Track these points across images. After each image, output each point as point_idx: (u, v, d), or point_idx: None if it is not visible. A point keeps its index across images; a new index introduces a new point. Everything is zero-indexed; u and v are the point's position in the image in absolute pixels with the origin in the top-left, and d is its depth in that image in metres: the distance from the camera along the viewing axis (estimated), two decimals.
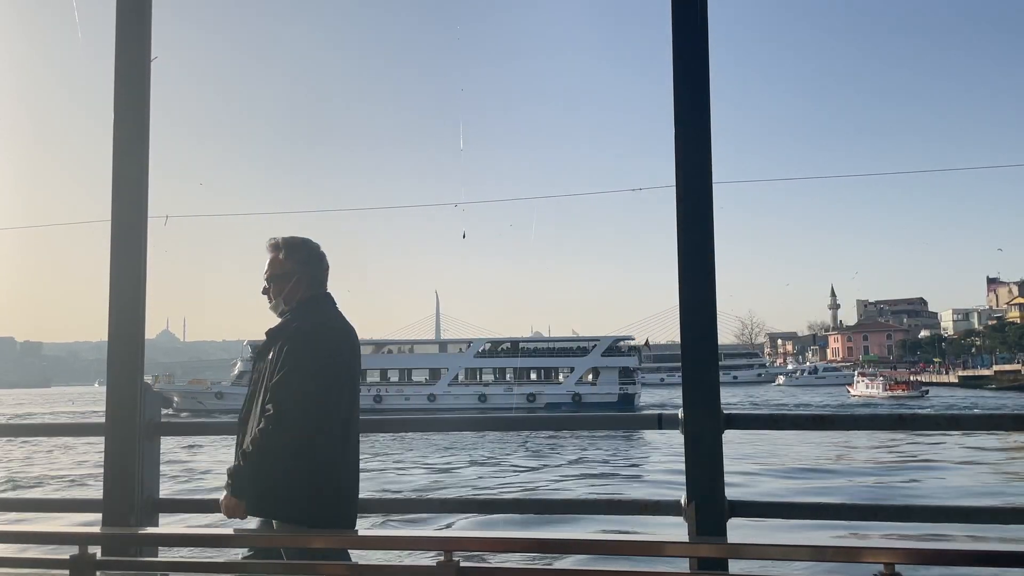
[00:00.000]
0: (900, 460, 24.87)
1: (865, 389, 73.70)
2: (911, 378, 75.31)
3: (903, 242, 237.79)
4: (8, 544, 3.83)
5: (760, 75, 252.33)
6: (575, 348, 65.10)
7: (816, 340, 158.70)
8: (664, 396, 74.62)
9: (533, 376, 64.93)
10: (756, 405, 61.40)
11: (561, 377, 64.05)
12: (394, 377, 64.87)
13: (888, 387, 70.21)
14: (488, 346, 66.31)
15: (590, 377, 62.86)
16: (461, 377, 64.41)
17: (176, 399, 61.53)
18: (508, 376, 64.66)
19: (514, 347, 65.96)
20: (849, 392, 77.43)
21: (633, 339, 69.53)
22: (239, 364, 63.76)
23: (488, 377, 65.46)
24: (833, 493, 18.39)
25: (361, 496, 3.61)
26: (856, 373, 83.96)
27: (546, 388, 62.56)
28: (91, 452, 27.25)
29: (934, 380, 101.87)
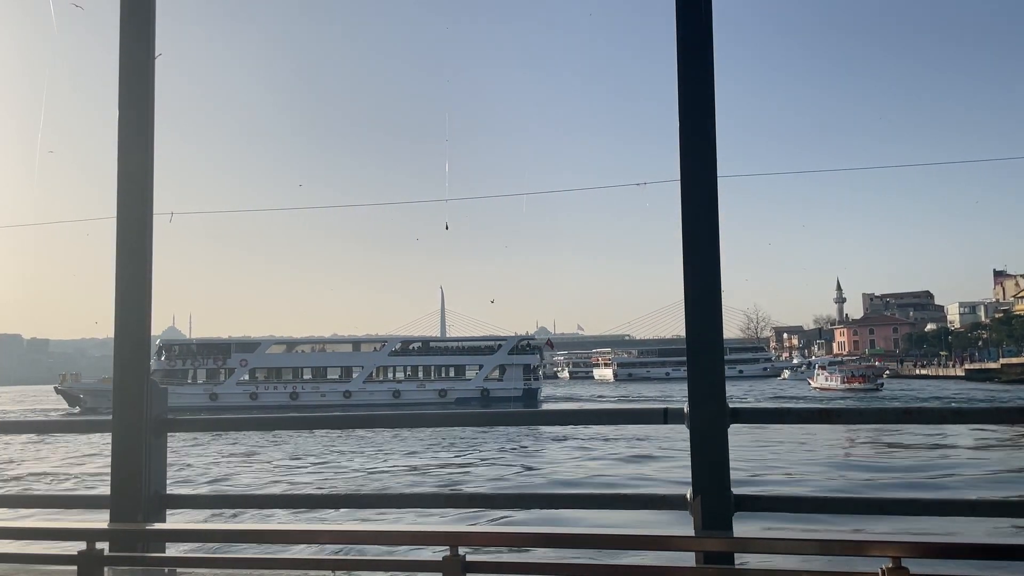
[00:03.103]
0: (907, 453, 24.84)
1: (824, 382, 77.71)
2: (869, 372, 78.61)
3: (909, 235, 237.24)
4: (16, 540, 3.85)
5: (766, 68, 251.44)
6: (483, 347, 70.01)
7: (822, 334, 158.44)
8: (568, 391, 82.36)
9: (443, 373, 68.55)
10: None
11: (469, 374, 68.23)
12: (307, 375, 67.56)
13: (846, 380, 74.00)
14: (399, 345, 69.82)
15: (496, 374, 67.35)
16: (374, 374, 67.22)
17: (82, 396, 62.16)
18: (420, 373, 68.00)
19: (425, 346, 70.82)
20: (810, 384, 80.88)
21: (535, 338, 75.60)
22: (154, 362, 64.46)
23: (400, 374, 68.60)
24: (839, 486, 18.39)
25: (367, 491, 3.62)
26: (817, 367, 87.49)
27: (456, 384, 66.67)
28: (96, 448, 27.40)
29: (940, 373, 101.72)
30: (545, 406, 61.47)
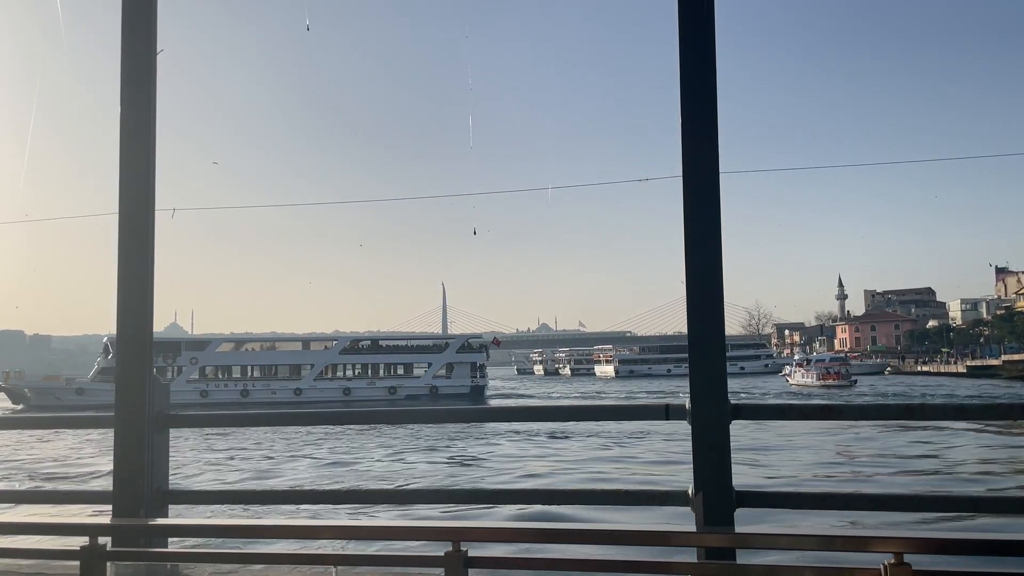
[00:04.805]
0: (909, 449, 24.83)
1: (801, 379, 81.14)
2: (843, 369, 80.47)
3: (911, 232, 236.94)
4: (20, 535, 3.86)
5: (768, 64, 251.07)
6: (431, 346, 72.00)
7: (824, 330, 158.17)
8: (529, 389, 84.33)
9: (392, 371, 69.78)
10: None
11: (417, 372, 69.41)
12: (256, 373, 68.01)
13: (821, 377, 77.15)
14: (349, 344, 70.58)
15: (444, 371, 68.53)
16: (324, 372, 67.96)
17: (28, 393, 61.40)
18: (369, 372, 69.14)
19: (374, 345, 71.49)
20: (788, 382, 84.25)
21: (481, 337, 77.07)
22: (101, 360, 63.52)
23: (350, 372, 69.55)
24: (841, 482, 18.37)
25: (370, 487, 3.62)
26: (794, 364, 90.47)
27: (405, 382, 67.81)
28: (97, 445, 27.44)
29: (941, 370, 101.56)
30: (492, 402, 62.31)
